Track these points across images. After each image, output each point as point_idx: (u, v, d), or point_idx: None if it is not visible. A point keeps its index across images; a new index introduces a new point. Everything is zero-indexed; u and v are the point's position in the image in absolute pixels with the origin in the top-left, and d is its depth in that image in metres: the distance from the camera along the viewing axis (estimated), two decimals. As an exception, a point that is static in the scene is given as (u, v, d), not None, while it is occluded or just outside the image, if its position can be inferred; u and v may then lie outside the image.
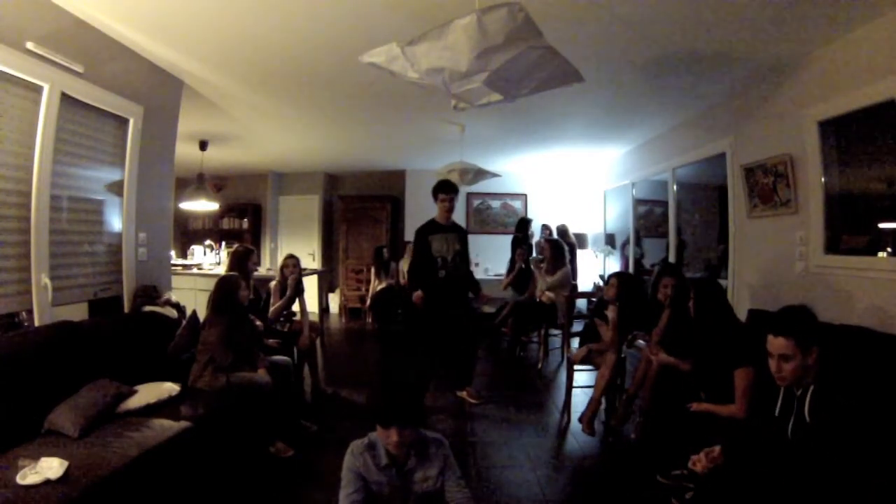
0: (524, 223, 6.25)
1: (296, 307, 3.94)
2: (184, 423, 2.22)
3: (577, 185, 7.41)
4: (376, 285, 6.22)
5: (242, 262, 3.59)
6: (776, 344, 1.63)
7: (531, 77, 1.89)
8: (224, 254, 6.35)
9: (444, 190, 3.70)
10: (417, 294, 3.62)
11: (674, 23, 2.52)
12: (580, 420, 3.22)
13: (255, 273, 3.80)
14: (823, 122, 2.74)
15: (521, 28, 1.55)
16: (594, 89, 3.49)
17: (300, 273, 3.91)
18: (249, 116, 4.48)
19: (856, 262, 2.57)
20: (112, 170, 2.96)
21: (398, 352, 3.91)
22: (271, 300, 3.75)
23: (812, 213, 2.85)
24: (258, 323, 3.23)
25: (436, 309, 3.63)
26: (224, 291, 2.88)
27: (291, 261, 3.91)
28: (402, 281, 6.05)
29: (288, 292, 3.74)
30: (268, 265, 7.28)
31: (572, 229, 6.56)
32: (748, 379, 2.16)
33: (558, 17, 2.38)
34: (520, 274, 5.37)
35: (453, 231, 3.74)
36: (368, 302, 6.48)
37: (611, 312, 3.19)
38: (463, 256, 3.75)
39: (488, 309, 5.54)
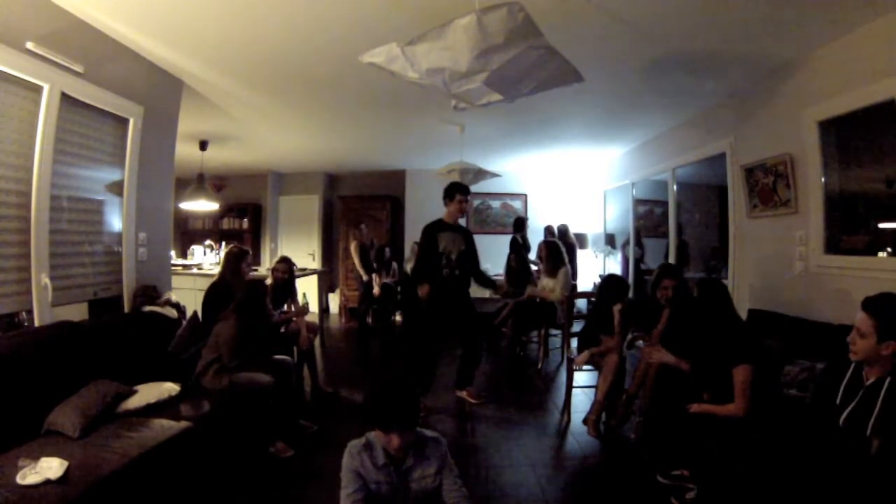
0: (520, 223, 6.25)
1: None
2: (184, 423, 2.22)
3: (577, 185, 7.41)
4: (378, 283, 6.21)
5: (237, 262, 3.55)
6: (859, 317, 1.69)
7: (531, 77, 1.89)
8: (224, 254, 6.35)
9: (464, 191, 3.72)
10: (424, 288, 3.55)
11: (674, 23, 2.52)
12: (584, 423, 3.22)
13: (254, 274, 3.78)
14: (823, 122, 2.74)
15: (521, 28, 1.56)
16: (594, 89, 3.49)
17: (293, 275, 3.90)
18: (249, 116, 4.48)
19: (856, 262, 2.57)
20: (112, 170, 2.96)
21: (395, 349, 3.92)
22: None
23: (812, 213, 2.85)
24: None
25: (438, 306, 3.62)
26: (253, 297, 2.89)
27: (282, 265, 3.88)
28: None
29: (297, 316, 3.77)
30: (267, 265, 7.27)
31: (572, 229, 6.56)
32: (747, 376, 2.16)
33: (558, 17, 2.38)
34: (514, 276, 5.36)
35: (459, 232, 3.75)
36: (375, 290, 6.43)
37: (616, 315, 3.18)
38: (469, 257, 3.74)
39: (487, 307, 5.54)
